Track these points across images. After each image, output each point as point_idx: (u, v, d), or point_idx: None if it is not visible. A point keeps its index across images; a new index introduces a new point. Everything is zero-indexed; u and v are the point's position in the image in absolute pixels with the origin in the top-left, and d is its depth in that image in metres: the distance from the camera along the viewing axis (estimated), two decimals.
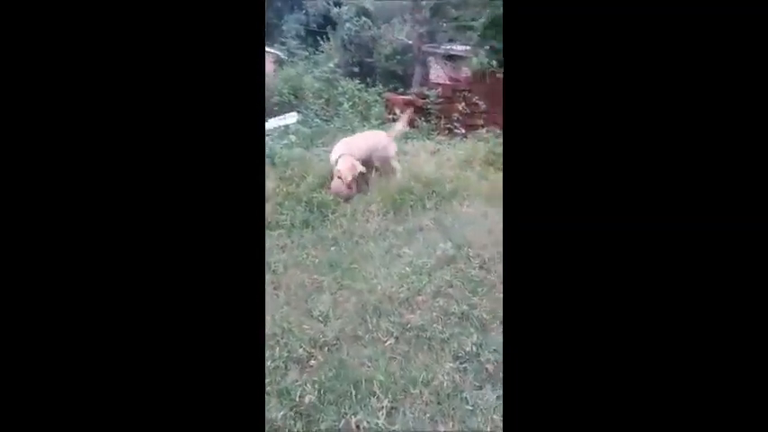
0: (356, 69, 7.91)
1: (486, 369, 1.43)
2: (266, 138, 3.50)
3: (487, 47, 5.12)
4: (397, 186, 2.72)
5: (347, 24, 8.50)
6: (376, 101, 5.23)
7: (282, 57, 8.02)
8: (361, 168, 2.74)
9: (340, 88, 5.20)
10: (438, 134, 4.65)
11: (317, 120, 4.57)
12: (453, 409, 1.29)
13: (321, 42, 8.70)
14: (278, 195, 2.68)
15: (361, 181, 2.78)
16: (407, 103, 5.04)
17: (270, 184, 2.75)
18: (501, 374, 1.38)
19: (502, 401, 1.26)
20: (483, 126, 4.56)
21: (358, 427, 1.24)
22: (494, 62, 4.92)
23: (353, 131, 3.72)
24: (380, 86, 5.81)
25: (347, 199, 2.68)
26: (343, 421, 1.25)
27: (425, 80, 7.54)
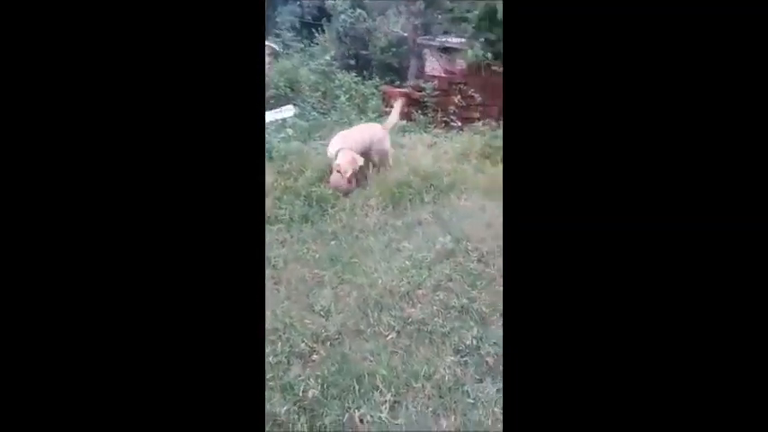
0: (352, 62, 7.83)
1: (487, 362, 1.45)
2: None
3: (482, 39, 5.09)
4: (396, 180, 2.71)
5: (342, 16, 8.39)
6: (373, 93, 5.19)
7: (277, 49, 7.91)
8: (361, 162, 2.73)
9: (336, 81, 5.15)
10: (435, 127, 4.64)
11: (314, 113, 4.52)
12: (455, 402, 1.31)
13: (316, 35, 8.59)
14: (276, 190, 2.67)
15: (360, 175, 2.77)
16: (404, 96, 5.01)
17: (268, 178, 2.73)
18: (501, 367, 1.40)
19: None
20: (479, 119, 4.54)
21: (362, 420, 1.25)
22: (489, 54, 4.90)
23: (351, 124, 3.69)
24: (377, 79, 5.76)
25: (346, 193, 2.67)
26: (346, 415, 1.26)
27: (421, 73, 7.49)
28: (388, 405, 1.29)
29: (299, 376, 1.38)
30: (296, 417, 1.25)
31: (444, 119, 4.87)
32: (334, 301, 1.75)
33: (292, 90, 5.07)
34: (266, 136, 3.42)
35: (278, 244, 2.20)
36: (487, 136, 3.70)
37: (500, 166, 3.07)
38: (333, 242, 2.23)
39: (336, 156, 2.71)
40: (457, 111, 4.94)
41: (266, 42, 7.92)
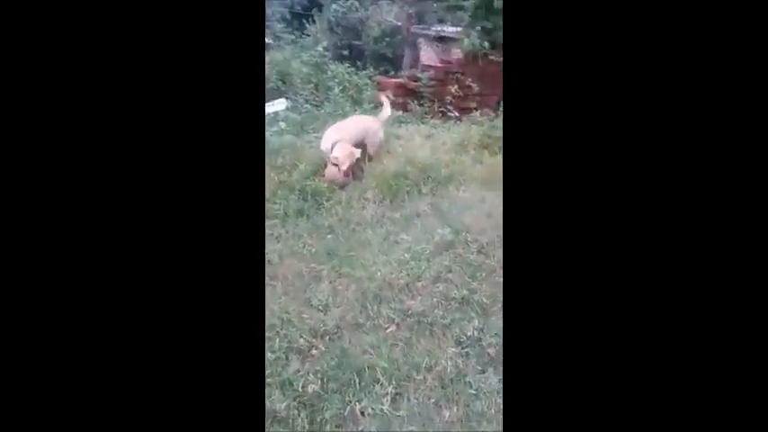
0: (345, 53, 7.70)
1: (488, 353, 1.44)
2: None
3: (479, 27, 5.01)
4: (393, 172, 2.67)
5: (333, 6, 8.24)
6: (366, 84, 5.10)
7: (268, 41, 7.76)
8: (358, 154, 2.68)
9: (329, 72, 5.05)
10: (431, 118, 4.57)
11: (307, 105, 4.44)
12: (457, 393, 1.30)
13: (307, 25, 8.44)
14: (270, 184, 2.62)
15: (356, 168, 2.73)
16: (399, 87, 4.94)
17: None
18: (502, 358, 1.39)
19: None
20: (476, 109, 4.48)
21: (363, 413, 1.24)
22: (486, 43, 4.82)
23: (345, 116, 3.62)
24: (371, 69, 5.67)
25: (342, 186, 2.63)
26: (348, 409, 1.25)
27: (415, 62, 7.40)
28: (389, 397, 1.28)
29: (299, 372, 1.36)
30: (296, 412, 1.24)
31: (441, 109, 4.81)
32: (332, 296, 1.73)
33: (284, 83, 4.96)
34: None
35: (273, 239, 2.16)
36: (485, 126, 3.66)
37: (498, 157, 3.04)
38: (329, 236, 2.20)
39: (333, 148, 2.66)
40: (454, 101, 4.87)
41: None
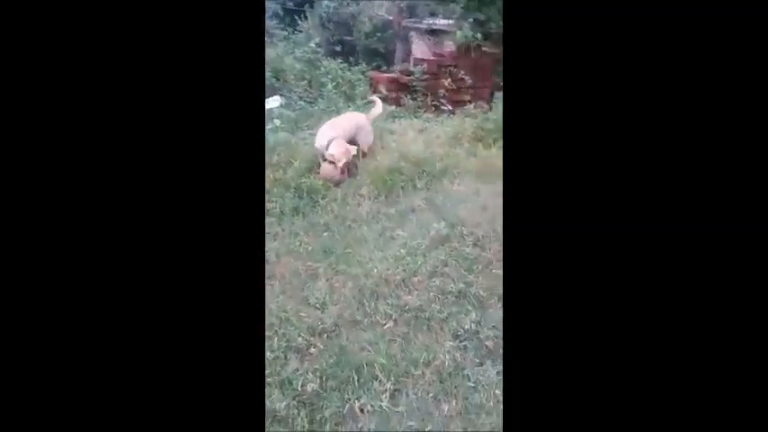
0: (337, 48, 7.64)
1: (486, 346, 1.45)
2: None
3: (471, 19, 4.97)
4: (387, 167, 2.66)
5: (325, 1, 8.17)
6: (360, 80, 5.06)
7: None
8: (354, 151, 2.67)
9: (322, 68, 5.00)
10: (425, 112, 4.55)
11: (301, 102, 4.40)
12: (456, 387, 1.31)
13: (299, 21, 8.36)
14: (265, 182, 2.61)
15: (351, 164, 2.72)
16: (392, 81, 4.91)
17: None
18: (501, 350, 1.39)
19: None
20: (470, 101, 4.47)
21: (362, 410, 1.25)
22: (479, 35, 4.79)
23: (339, 112, 3.60)
24: (363, 65, 5.62)
25: (337, 183, 2.62)
26: (347, 406, 1.26)
27: (407, 56, 7.35)
28: (388, 394, 1.29)
29: (298, 370, 1.36)
30: (296, 411, 1.24)
31: (434, 103, 4.78)
32: (329, 293, 1.73)
33: (278, 80, 4.92)
34: None
35: (270, 237, 2.16)
36: (479, 118, 3.64)
37: (493, 149, 3.03)
38: (325, 233, 2.20)
39: (328, 146, 2.65)
40: (447, 94, 4.85)
41: None
